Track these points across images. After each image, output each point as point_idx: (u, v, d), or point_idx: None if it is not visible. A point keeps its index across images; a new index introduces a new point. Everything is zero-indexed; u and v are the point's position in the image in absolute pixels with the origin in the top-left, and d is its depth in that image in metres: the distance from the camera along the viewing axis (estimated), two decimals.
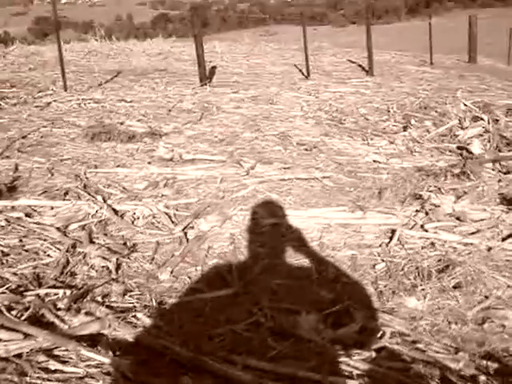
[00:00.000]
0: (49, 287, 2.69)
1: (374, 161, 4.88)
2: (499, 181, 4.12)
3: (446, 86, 9.99)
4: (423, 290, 2.68)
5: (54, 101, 7.49)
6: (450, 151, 5.18)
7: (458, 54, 18.09)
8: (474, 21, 16.58)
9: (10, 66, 11.39)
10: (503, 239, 3.20)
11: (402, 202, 3.75)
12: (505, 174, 4.44)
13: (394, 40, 36.65)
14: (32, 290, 2.65)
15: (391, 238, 3.22)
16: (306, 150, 5.12)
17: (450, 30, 36.09)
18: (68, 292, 2.59)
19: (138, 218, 3.55)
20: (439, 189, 3.91)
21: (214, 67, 11.21)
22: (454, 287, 2.70)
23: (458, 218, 3.41)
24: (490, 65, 17.50)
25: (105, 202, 3.77)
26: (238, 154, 4.90)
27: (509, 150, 5.14)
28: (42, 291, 2.63)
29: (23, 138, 5.50)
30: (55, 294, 2.60)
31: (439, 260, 2.97)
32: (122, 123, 6.03)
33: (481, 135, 5.44)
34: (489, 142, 5.23)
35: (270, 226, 3.41)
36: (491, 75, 13.43)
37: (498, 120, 6.19)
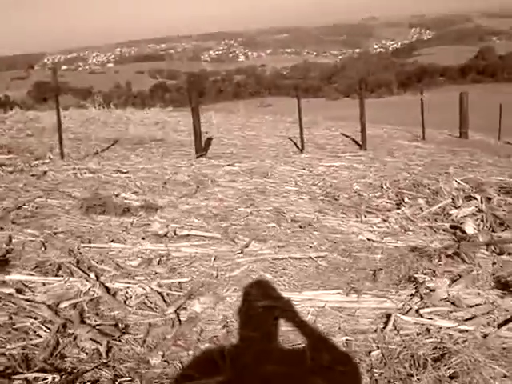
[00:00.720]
0: (37, 370, 2.63)
1: (368, 239, 4.88)
2: (493, 263, 4.12)
3: (438, 162, 10.12)
4: (419, 379, 2.64)
5: (51, 170, 7.55)
6: (444, 230, 5.20)
7: (450, 128, 18.45)
8: (464, 97, 17.01)
9: (8, 131, 11.55)
10: (499, 326, 3.17)
11: (396, 285, 3.74)
12: (499, 254, 4.44)
13: (386, 114, 37.39)
14: (20, 373, 2.59)
15: (386, 324, 3.19)
16: (300, 227, 5.13)
17: (442, 104, 36.92)
18: (57, 377, 2.54)
19: (131, 297, 3.51)
20: (434, 271, 3.90)
21: (209, 138, 11.37)
22: (451, 377, 2.65)
23: (453, 303, 3.40)
24: (481, 140, 17.82)
25: (97, 279, 3.74)
26: (233, 231, 4.91)
27: (502, 230, 5.17)
28: (30, 375, 2.58)
29: (18, 208, 5.50)
30: (44, 379, 2.55)
31: (435, 348, 2.93)
32: (117, 195, 6.07)
33: (474, 214, 5.47)
34: (482, 221, 5.27)
35: (263, 309, 3.38)
36: (482, 151, 13.65)
37: (490, 199, 6.25)
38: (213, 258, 4.21)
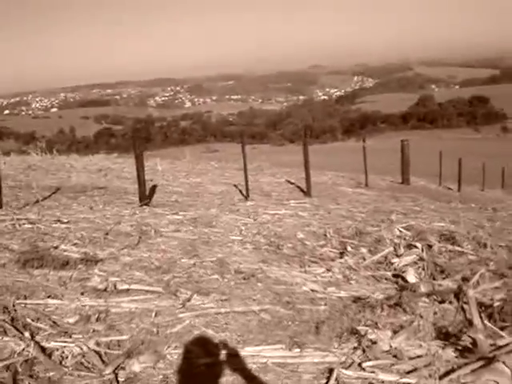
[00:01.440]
0: None
1: (312, 290, 4.87)
2: (435, 313, 4.16)
3: (381, 208, 10.28)
4: None
5: None
6: (386, 279, 5.25)
7: (392, 174, 18.87)
8: (405, 144, 17.49)
9: None
10: (440, 377, 3.18)
11: (339, 338, 3.72)
12: (440, 303, 4.49)
13: (331, 160, 38.06)
14: None
15: (329, 379, 3.16)
16: (244, 278, 5.08)
17: (384, 151, 37.92)
18: None
19: (67, 357, 3.38)
20: (376, 323, 3.91)
21: (154, 186, 11.27)
22: None
23: (395, 356, 3.40)
24: (423, 185, 18.29)
25: (32, 338, 3.58)
26: (175, 284, 4.81)
27: (443, 278, 5.25)
28: None
29: None
30: None
31: None
32: (56, 247, 5.88)
33: (415, 263, 5.55)
34: (423, 269, 5.34)
35: (205, 366, 3.30)
36: (424, 196, 13.98)
37: (431, 246, 6.36)
38: (153, 314, 4.11)
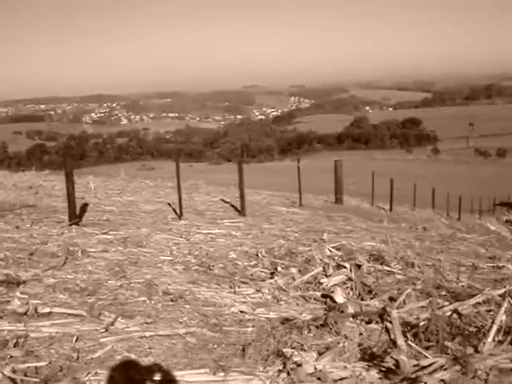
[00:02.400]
0: None
1: (241, 311, 4.82)
2: (360, 334, 4.17)
3: (313, 228, 10.37)
4: None
5: None
6: (315, 299, 5.26)
7: (327, 194, 19.12)
8: (338, 165, 17.76)
9: None
10: None
11: (265, 360, 3.68)
12: (367, 323, 4.52)
13: (266, 179, 38.30)
14: None
15: None
16: (172, 300, 4.98)
17: (319, 170, 38.41)
18: None
19: None
20: (302, 345, 3.89)
21: (85, 204, 11.01)
22: None
23: (319, 378, 3.38)
24: (356, 205, 18.60)
25: None
26: (99, 307, 4.67)
27: (371, 298, 5.30)
28: None
29: None
30: None
31: None
32: None
33: (344, 283, 5.59)
34: (351, 289, 5.38)
35: None
36: (356, 215, 14.20)
37: (360, 266, 6.43)
38: (74, 339, 3.96)
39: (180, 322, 4.44)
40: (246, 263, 6.72)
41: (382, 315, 3.78)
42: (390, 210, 19.27)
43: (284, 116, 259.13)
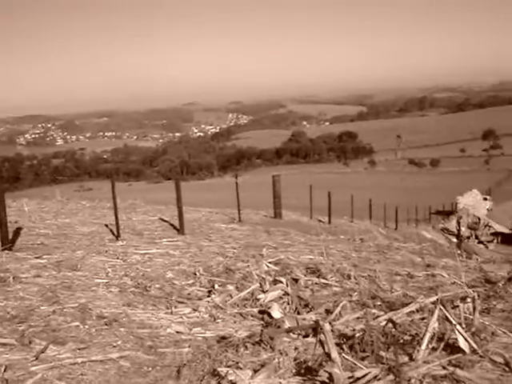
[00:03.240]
0: None
1: (177, 332, 4.76)
2: (296, 348, 4.18)
3: (252, 244, 10.38)
4: None
5: None
6: (252, 316, 5.25)
7: (266, 209, 19.17)
8: (276, 179, 17.84)
9: None
10: None
11: (200, 381, 3.63)
12: (304, 337, 4.53)
13: (206, 196, 38.23)
14: None
15: None
16: (106, 324, 4.87)
17: (259, 185, 38.60)
18: None
19: None
20: (237, 363, 3.86)
21: (19, 228, 10.70)
22: None
23: None
24: (295, 219, 18.72)
25: None
26: (30, 334, 4.52)
27: (307, 312, 5.33)
28: None
29: None
30: None
31: None
32: None
33: (281, 297, 5.60)
34: (288, 304, 5.39)
35: None
36: (295, 229, 14.30)
37: (297, 280, 6.47)
38: (3, 368, 3.81)
39: (114, 346, 4.34)
40: (183, 282, 6.65)
41: (316, 329, 3.81)
42: (329, 222, 19.50)
43: (223, 132, 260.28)
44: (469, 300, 5.29)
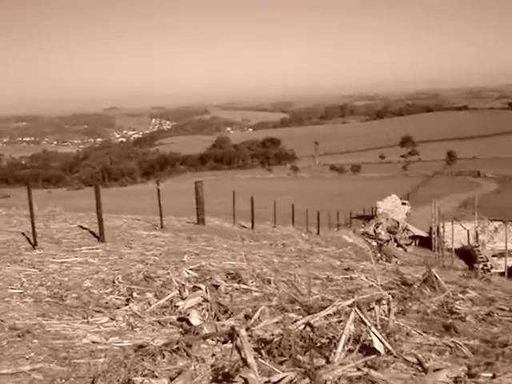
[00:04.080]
0: None
1: (93, 342, 4.65)
2: (213, 355, 4.17)
3: (174, 250, 10.29)
4: None
5: None
6: (171, 324, 5.20)
7: (189, 215, 19.06)
8: (199, 185, 17.78)
9: None
10: None
11: None
12: (223, 343, 4.53)
13: (129, 203, 37.62)
14: None
15: None
16: (19, 336, 4.70)
17: (183, 191, 38.34)
18: None
19: None
20: (153, 372, 3.81)
21: None
22: None
23: None
24: (218, 225, 18.71)
25: None
26: None
27: (227, 318, 5.33)
28: None
29: None
30: None
31: None
32: None
33: (200, 304, 5.57)
34: (207, 311, 5.38)
35: None
36: (218, 235, 14.29)
37: (217, 286, 6.46)
38: None
39: (26, 359, 4.20)
40: (101, 291, 6.52)
41: (232, 334, 3.82)
42: (252, 228, 19.59)
43: (145, 138, 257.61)
44: (384, 302, 5.44)
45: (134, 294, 6.13)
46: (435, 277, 7.51)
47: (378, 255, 27.16)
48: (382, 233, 39.53)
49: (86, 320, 5.30)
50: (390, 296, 5.64)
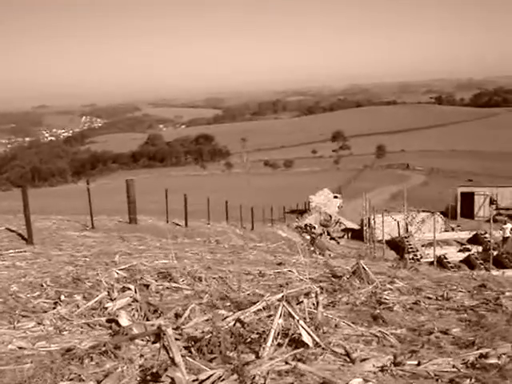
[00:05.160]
0: None
1: (19, 347, 4.55)
2: (141, 355, 4.16)
3: (105, 251, 10.16)
4: None
5: None
6: (100, 325, 5.14)
7: (122, 214, 18.80)
8: (130, 184, 17.52)
9: None
10: None
11: None
12: (153, 343, 4.52)
13: (60, 203, 36.79)
14: None
15: None
16: None
17: (115, 190, 37.79)
18: None
19: None
20: (79, 375, 3.76)
21: None
22: None
23: None
24: (151, 223, 18.55)
25: None
26: None
27: (157, 317, 5.31)
28: None
29: None
30: None
31: None
32: None
33: (130, 305, 5.53)
34: (137, 311, 5.34)
35: None
36: (151, 234, 14.19)
37: (148, 286, 6.43)
38: None
39: None
40: (28, 295, 6.35)
41: (159, 334, 3.81)
42: (186, 225, 19.52)
43: (76, 136, 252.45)
44: (313, 295, 5.54)
45: (62, 297, 6.02)
46: (364, 268, 7.69)
47: (312, 249, 27.55)
48: (316, 226, 40.16)
49: (12, 325, 5.17)
50: (317, 289, 5.75)
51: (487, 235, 34.72)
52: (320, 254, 23.77)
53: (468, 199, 51.54)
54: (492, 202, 50.96)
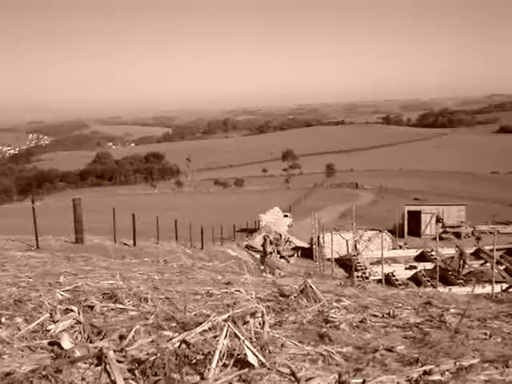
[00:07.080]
0: None
1: None
2: (83, 379, 4.08)
3: (50, 271, 9.95)
4: None
5: None
6: (42, 348, 5.01)
7: (68, 234, 18.50)
8: (77, 202, 17.31)
9: None
10: None
11: None
12: (96, 366, 4.43)
13: (4, 222, 35.93)
14: None
15: None
16: None
17: (62, 209, 37.16)
18: None
19: None
20: None
21: None
22: None
23: None
24: (98, 243, 18.30)
25: None
26: None
27: (100, 339, 5.21)
28: None
29: None
30: None
31: None
32: None
33: (73, 327, 5.41)
34: (80, 333, 5.23)
35: None
36: (98, 254, 13.97)
37: (92, 307, 6.31)
38: None
39: None
40: None
41: (101, 357, 3.74)
42: (134, 245, 19.34)
43: (22, 154, 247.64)
44: (259, 315, 5.54)
45: (3, 320, 5.85)
46: (311, 287, 7.72)
47: (262, 267, 27.60)
48: (266, 245, 40.26)
49: None
50: (263, 308, 5.75)
51: (433, 253, 35.49)
52: (270, 272, 23.83)
53: (415, 218, 52.74)
54: (438, 220, 52.24)
